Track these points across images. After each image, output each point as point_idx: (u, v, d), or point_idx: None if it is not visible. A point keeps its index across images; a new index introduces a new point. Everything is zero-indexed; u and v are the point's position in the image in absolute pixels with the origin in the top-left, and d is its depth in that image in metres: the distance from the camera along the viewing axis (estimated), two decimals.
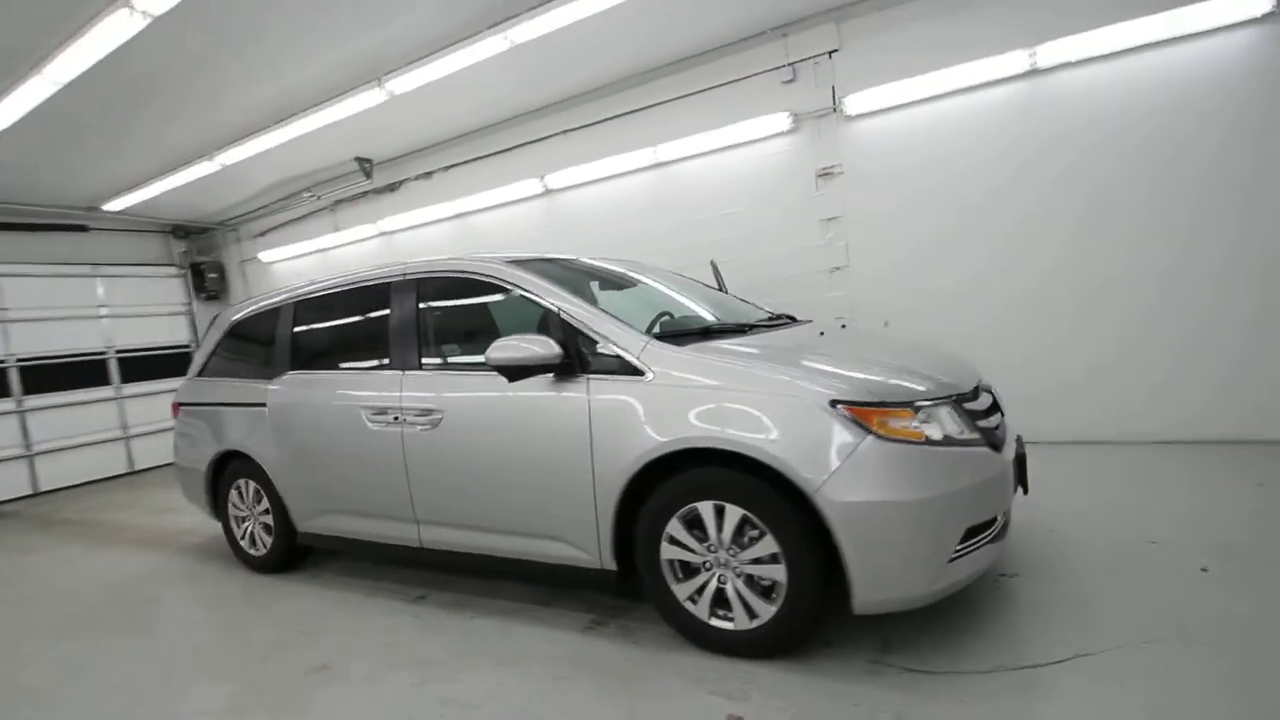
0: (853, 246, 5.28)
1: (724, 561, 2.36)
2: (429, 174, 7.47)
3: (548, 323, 2.76)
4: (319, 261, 8.63)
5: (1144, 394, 4.42)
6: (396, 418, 3.10)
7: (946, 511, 2.14)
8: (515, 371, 2.65)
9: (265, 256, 9.05)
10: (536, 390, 2.70)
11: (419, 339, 3.20)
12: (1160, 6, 4.05)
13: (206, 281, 9.43)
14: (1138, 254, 4.34)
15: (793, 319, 3.48)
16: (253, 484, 3.88)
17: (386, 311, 3.35)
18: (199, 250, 9.64)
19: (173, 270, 9.40)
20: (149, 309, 9.04)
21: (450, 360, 3.15)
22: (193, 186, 7.37)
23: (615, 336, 2.61)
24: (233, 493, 4.02)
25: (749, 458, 2.23)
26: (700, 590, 2.42)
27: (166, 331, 9.22)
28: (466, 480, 2.94)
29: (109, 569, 4.43)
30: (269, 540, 3.88)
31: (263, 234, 9.07)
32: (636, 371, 2.52)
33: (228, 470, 4.02)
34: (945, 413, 2.28)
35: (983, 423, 2.40)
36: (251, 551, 4.00)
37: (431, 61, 5.04)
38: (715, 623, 2.40)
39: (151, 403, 8.74)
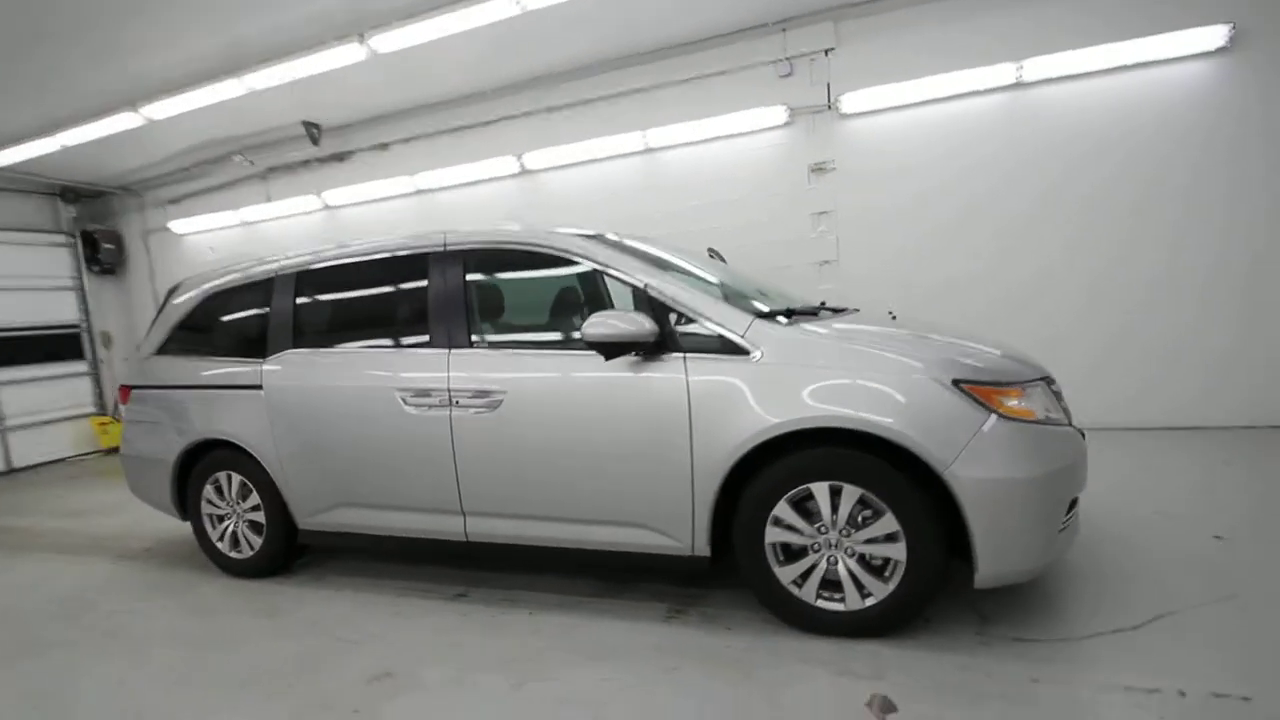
0: (843, 241, 5.45)
1: (834, 542, 2.35)
2: (385, 145, 6.93)
3: (635, 300, 2.63)
4: (244, 235, 7.80)
5: (1132, 388, 4.81)
6: (444, 400, 2.84)
7: (1057, 485, 2.24)
8: (612, 349, 2.49)
9: (177, 227, 8.05)
10: (623, 370, 2.56)
11: (468, 315, 2.94)
12: (1132, 34, 4.48)
13: (101, 253, 8.25)
14: (1124, 260, 4.76)
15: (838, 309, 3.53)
16: (237, 477, 3.42)
17: (422, 284, 3.05)
18: (92, 217, 8.42)
19: (60, 239, 8.15)
20: (30, 282, 7.78)
21: (510, 338, 2.92)
22: (97, 144, 6.40)
23: (716, 314, 2.52)
24: (208, 488, 3.52)
25: (870, 436, 2.23)
26: (807, 573, 2.40)
27: (51, 309, 7.98)
28: (531, 467, 2.74)
29: (41, 582, 3.76)
30: (257, 541, 3.43)
31: (175, 201, 8.06)
32: (740, 351, 2.44)
33: (203, 462, 3.51)
34: (1041, 393, 2.39)
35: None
36: (233, 554, 3.52)
37: (427, 19, 4.66)
38: (822, 604, 2.39)
39: (34, 390, 7.55)
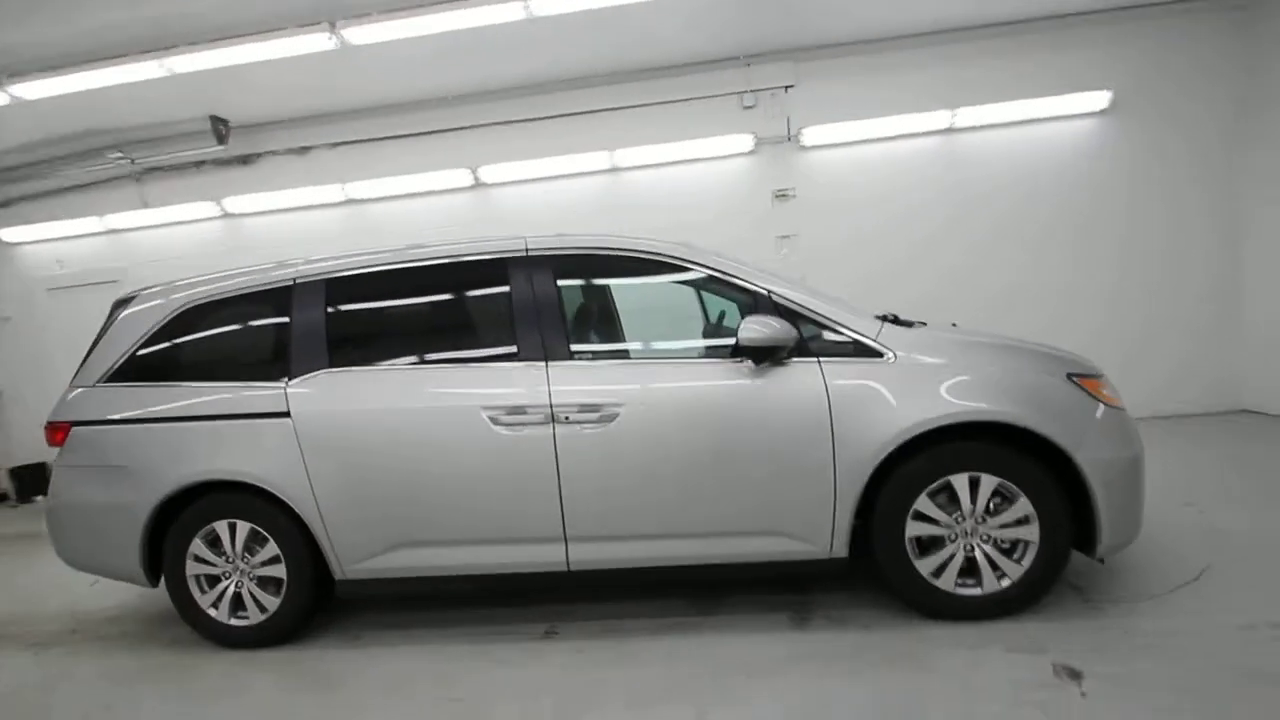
0: (804, 264, 5.81)
1: (970, 530, 2.50)
2: (305, 149, 6.22)
3: (756, 306, 2.62)
4: (110, 246, 6.54)
5: None
6: (545, 417, 2.60)
7: (1143, 463, 2.58)
8: (762, 353, 2.46)
9: (9, 235, 6.50)
10: (755, 377, 2.54)
11: (564, 325, 2.74)
12: (1036, 94, 5.37)
13: None
14: (1035, 271, 5.57)
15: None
16: (245, 525, 2.83)
17: (501, 292, 2.80)
18: None
19: None
20: None
21: (617, 348, 2.75)
22: None
23: (846, 319, 2.59)
24: (197, 543, 2.86)
25: (1004, 427, 2.42)
26: (944, 562, 2.51)
27: None
28: (652, 483, 2.58)
29: None
30: (272, 601, 2.85)
31: (5, 204, 6.51)
32: (874, 353, 2.54)
33: (189, 511, 2.86)
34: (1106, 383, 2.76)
35: None
36: (233, 621, 2.89)
37: (373, 22, 4.30)
38: (960, 591, 2.52)
39: None
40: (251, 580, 2.87)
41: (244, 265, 3.14)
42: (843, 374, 2.52)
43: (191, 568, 2.88)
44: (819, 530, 2.54)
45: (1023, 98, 5.35)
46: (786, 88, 5.69)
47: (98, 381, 3.02)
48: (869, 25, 5.37)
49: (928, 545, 2.53)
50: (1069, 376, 2.51)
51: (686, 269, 2.74)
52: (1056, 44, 5.33)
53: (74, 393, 3.06)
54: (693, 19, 5.00)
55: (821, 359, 2.54)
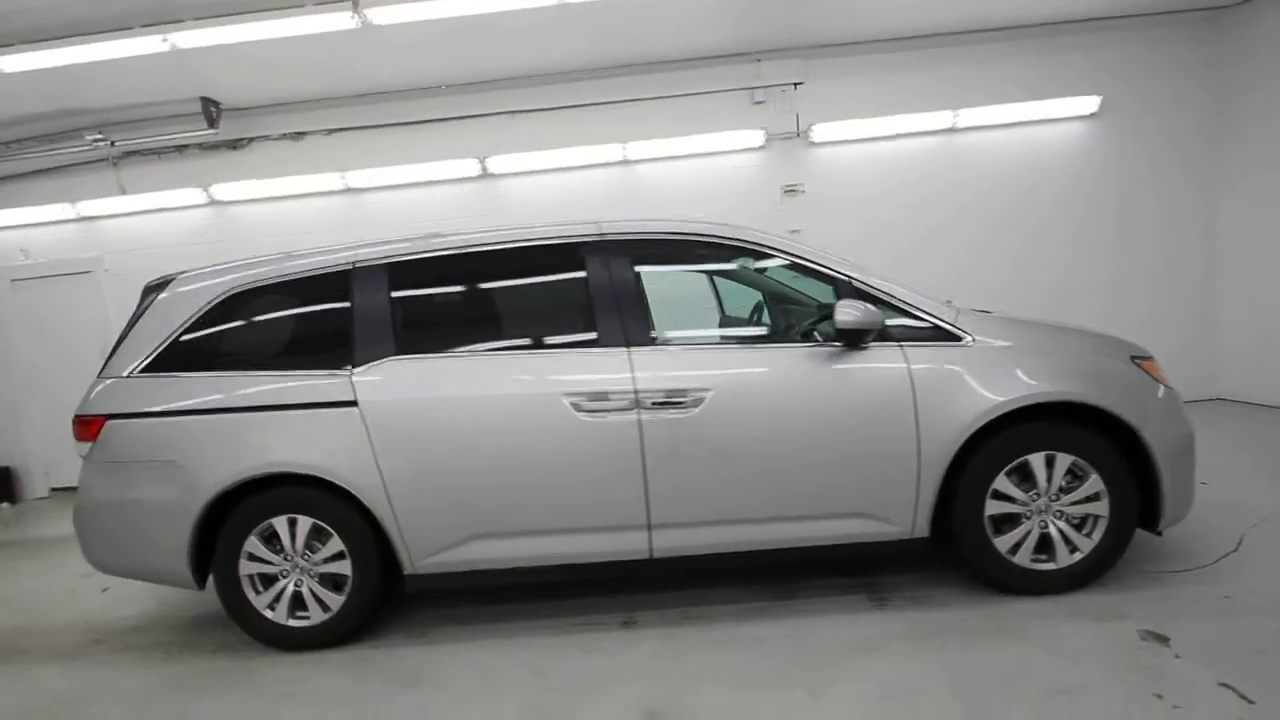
0: None
1: (1044, 508, 2.60)
2: (300, 135, 5.96)
3: (838, 292, 2.65)
4: (81, 235, 6.12)
5: None
6: (629, 404, 2.58)
7: (1194, 441, 2.73)
8: (856, 336, 2.51)
9: None
10: (841, 362, 2.58)
11: (644, 310, 2.71)
12: (1033, 97, 5.61)
13: None
14: (1029, 268, 5.81)
15: None
16: (307, 520, 2.70)
17: (577, 277, 2.76)
18: None
19: None
20: None
21: (698, 334, 2.75)
22: None
23: (925, 304, 2.66)
24: (252, 540, 2.71)
25: (1079, 406, 2.53)
26: (1022, 539, 2.61)
27: None
28: (738, 468, 2.59)
29: (26, 696, 2.58)
30: (335, 599, 2.73)
31: None
32: (953, 337, 2.61)
33: (245, 507, 2.70)
34: None
35: None
36: (292, 622, 2.75)
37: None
38: (1036, 566, 2.62)
39: None
40: (312, 578, 2.75)
41: (283, 249, 3.00)
42: (924, 358, 2.58)
43: (245, 567, 2.73)
44: (902, 510, 2.60)
45: (1021, 100, 5.59)
46: (795, 84, 5.78)
47: (134, 372, 2.83)
48: (875, 25, 5.50)
49: (1000, 523, 2.62)
50: (1131, 359, 2.64)
51: (767, 254, 2.76)
52: (1051, 49, 5.59)
53: (104, 384, 2.86)
54: (705, 14, 5.02)
55: (903, 343, 2.61)
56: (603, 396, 2.60)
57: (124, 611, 3.38)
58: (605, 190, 5.96)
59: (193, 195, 5.93)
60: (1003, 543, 2.61)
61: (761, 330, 2.86)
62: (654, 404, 2.58)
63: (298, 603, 2.76)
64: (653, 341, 2.68)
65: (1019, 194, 5.77)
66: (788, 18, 5.27)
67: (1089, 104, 5.58)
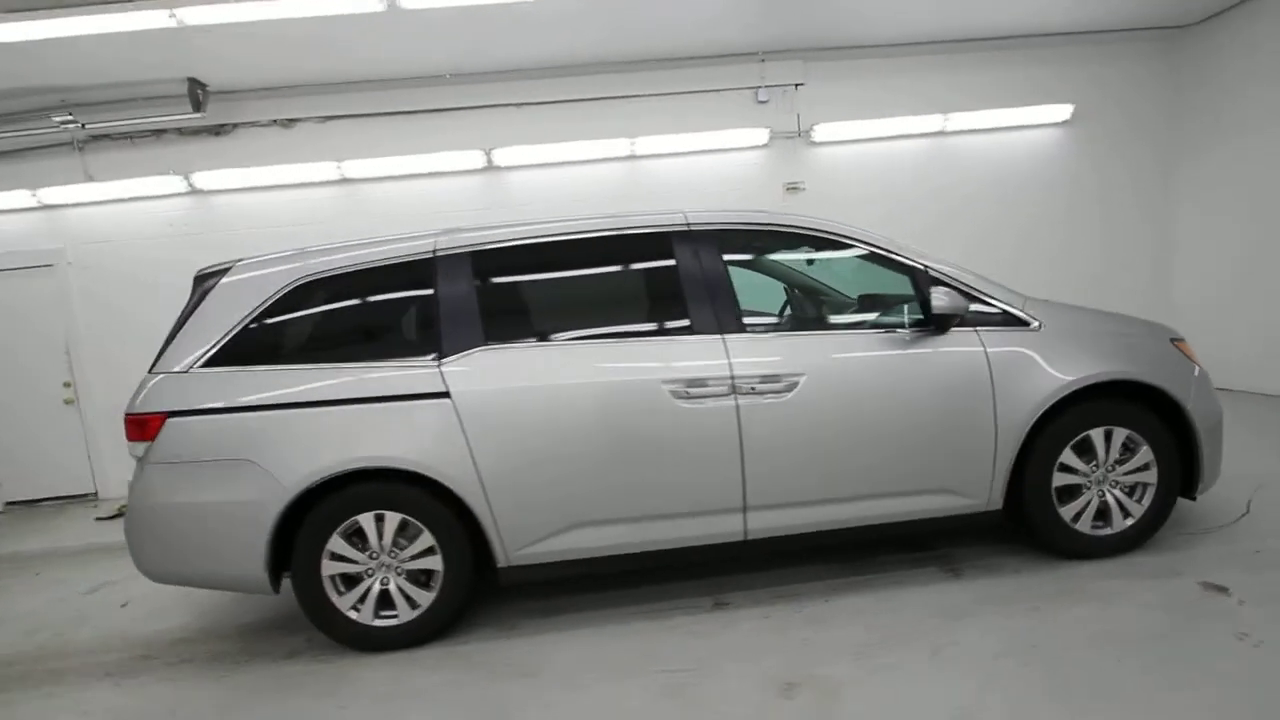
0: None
1: (1102, 479, 2.83)
2: (292, 121, 5.67)
3: (914, 283, 2.80)
4: (45, 224, 5.61)
5: None
6: (726, 389, 2.63)
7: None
8: (946, 321, 2.65)
9: None
10: (924, 346, 2.72)
11: (735, 298, 2.77)
12: (1015, 103, 6.01)
13: None
14: (1017, 268, 6.15)
15: None
16: (395, 516, 2.62)
17: (665, 266, 2.80)
18: None
19: None
20: None
21: (784, 320, 2.83)
22: None
23: (995, 291, 2.84)
24: (335, 539, 2.60)
25: (1136, 385, 2.77)
26: (1083, 508, 2.83)
27: None
28: (830, 449, 2.69)
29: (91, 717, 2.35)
30: (425, 596, 2.66)
31: None
32: (1022, 322, 2.80)
33: (326, 504, 2.59)
34: None
35: None
36: (377, 622, 2.66)
37: None
38: (1095, 532, 2.84)
39: None
40: (399, 575, 2.66)
41: (299, 243, 2.91)
42: (997, 341, 2.76)
43: (328, 567, 2.62)
44: (980, 485, 2.77)
45: (1005, 106, 5.97)
46: (797, 85, 5.97)
47: (195, 365, 2.66)
48: (871, 31, 5.75)
49: (1071, 492, 2.83)
50: (1172, 340, 2.91)
51: (847, 245, 2.88)
52: (1031, 60, 6.00)
53: (159, 379, 2.67)
54: (711, 12, 5.10)
55: (978, 328, 2.78)
56: (701, 383, 2.64)
57: (160, 625, 3.17)
58: (610, 185, 5.96)
59: (170, 184, 5.53)
60: (1066, 512, 2.82)
61: (846, 317, 2.97)
62: (750, 389, 2.65)
63: (383, 602, 2.67)
64: (744, 328, 2.75)
65: (1004, 195, 6.16)
66: (790, 19, 5.43)
67: (1063, 112, 6.03)
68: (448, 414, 2.59)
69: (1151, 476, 2.82)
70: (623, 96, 5.82)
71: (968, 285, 2.82)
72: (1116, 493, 2.84)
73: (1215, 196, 5.87)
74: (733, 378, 2.65)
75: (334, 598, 2.64)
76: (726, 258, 2.82)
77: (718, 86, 5.90)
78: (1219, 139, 5.78)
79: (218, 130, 5.62)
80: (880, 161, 6.09)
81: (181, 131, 5.56)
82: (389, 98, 5.66)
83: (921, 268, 2.82)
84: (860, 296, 3.01)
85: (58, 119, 5.08)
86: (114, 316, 5.68)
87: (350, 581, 2.67)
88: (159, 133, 5.54)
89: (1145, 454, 2.81)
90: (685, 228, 2.83)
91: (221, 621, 3.15)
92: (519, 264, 2.82)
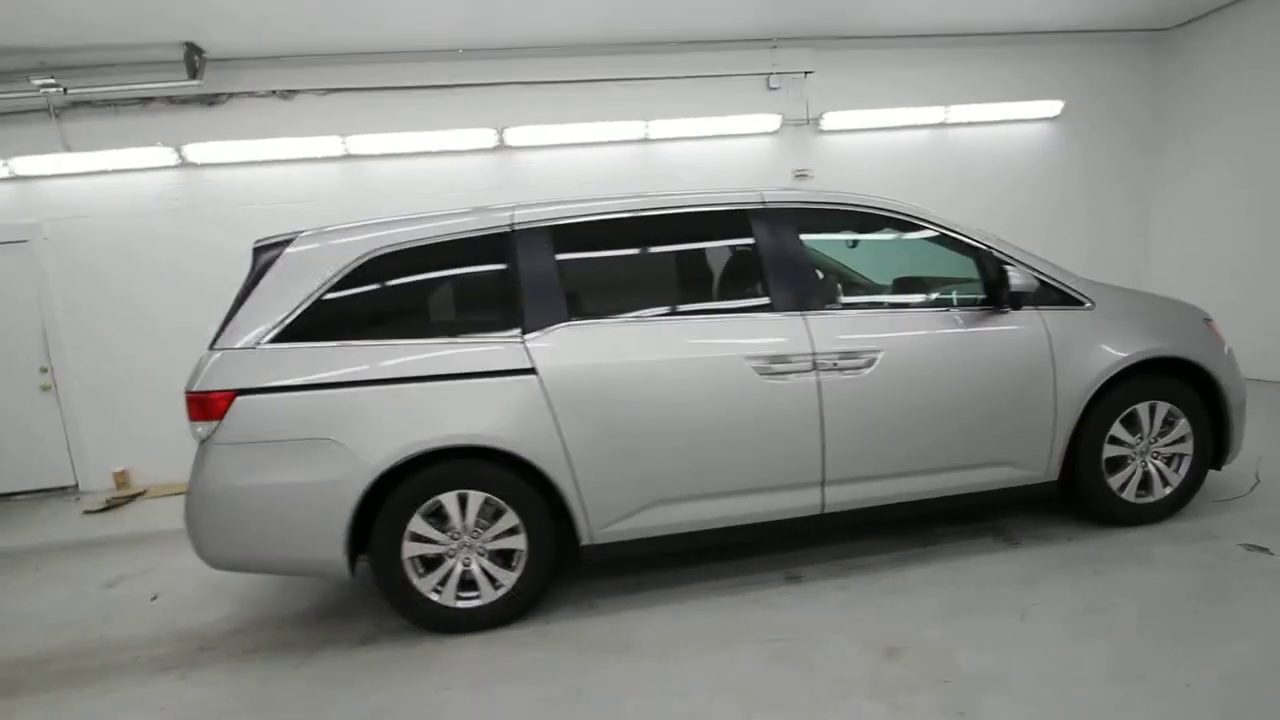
0: None
1: (1145, 450, 3.01)
2: (291, 93, 5.40)
3: (981, 263, 2.90)
4: (17, 197, 5.17)
5: None
6: (807, 366, 2.68)
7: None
8: (1019, 299, 2.76)
9: None
10: (990, 325, 2.84)
11: (812, 275, 2.81)
12: (1013, 98, 6.25)
13: None
14: None
15: None
16: (478, 495, 2.56)
17: (744, 244, 2.83)
18: None
19: None
20: None
21: (859, 299, 2.88)
22: None
23: (1053, 272, 2.97)
24: (416, 520, 2.53)
25: (1179, 362, 2.95)
26: (1129, 478, 3.00)
27: None
28: (905, 424, 2.77)
29: (171, 711, 2.21)
30: (508, 576, 2.62)
31: None
32: (1077, 302, 2.95)
33: (408, 484, 2.51)
34: None
35: None
36: (459, 604, 2.61)
37: None
38: (1138, 501, 3.02)
39: None
40: (481, 555, 2.61)
41: (401, 211, 2.80)
42: (1056, 320, 2.89)
43: (409, 548, 2.55)
44: (1039, 457, 2.90)
45: (1001, 101, 6.21)
46: (806, 73, 6.04)
47: (263, 340, 2.54)
48: (879, 21, 5.85)
49: (1110, 465, 3.00)
50: (1204, 319, 3.11)
51: (917, 226, 2.95)
52: (1027, 56, 6.24)
53: (224, 355, 2.54)
54: None
55: (1040, 307, 2.90)
56: (784, 359, 2.68)
57: (206, 617, 3.01)
58: (623, 168, 5.91)
59: (158, 155, 5.19)
60: (1114, 482, 2.99)
61: (918, 295, 3.05)
62: (832, 366, 2.70)
63: (465, 585, 2.62)
64: (822, 306, 2.79)
65: (999, 185, 6.40)
66: (801, 7, 5.49)
67: (1054, 107, 6.30)
68: (534, 391, 2.55)
69: (1188, 448, 3.02)
70: (637, 79, 5.77)
71: (1030, 267, 2.94)
72: (1158, 463, 3.03)
73: (1191, 189, 6.26)
74: (814, 354, 2.69)
75: (414, 579, 2.58)
76: (804, 236, 2.86)
77: (731, 72, 5.91)
78: (1195, 133, 6.16)
79: (211, 100, 5.30)
80: (884, 151, 6.24)
81: (172, 100, 5.22)
82: (396, 71, 5.45)
83: (986, 249, 2.92)
84: (933, 276, 3.10)
85: (37, 82, 4.69)
86: (96, 296, 5.32)
87: (427, 563, 2.61)
88: (145, 101, 5.19)
89: (1183, 427, 3.00)
90: (762, 206, 2.85)
91: (272, 611, 3.02)
92: (598, 239, 2.80)
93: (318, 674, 2.47)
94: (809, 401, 2.69)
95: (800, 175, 6.16)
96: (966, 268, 2.98)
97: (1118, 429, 2.95)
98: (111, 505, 5.01)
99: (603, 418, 2.59)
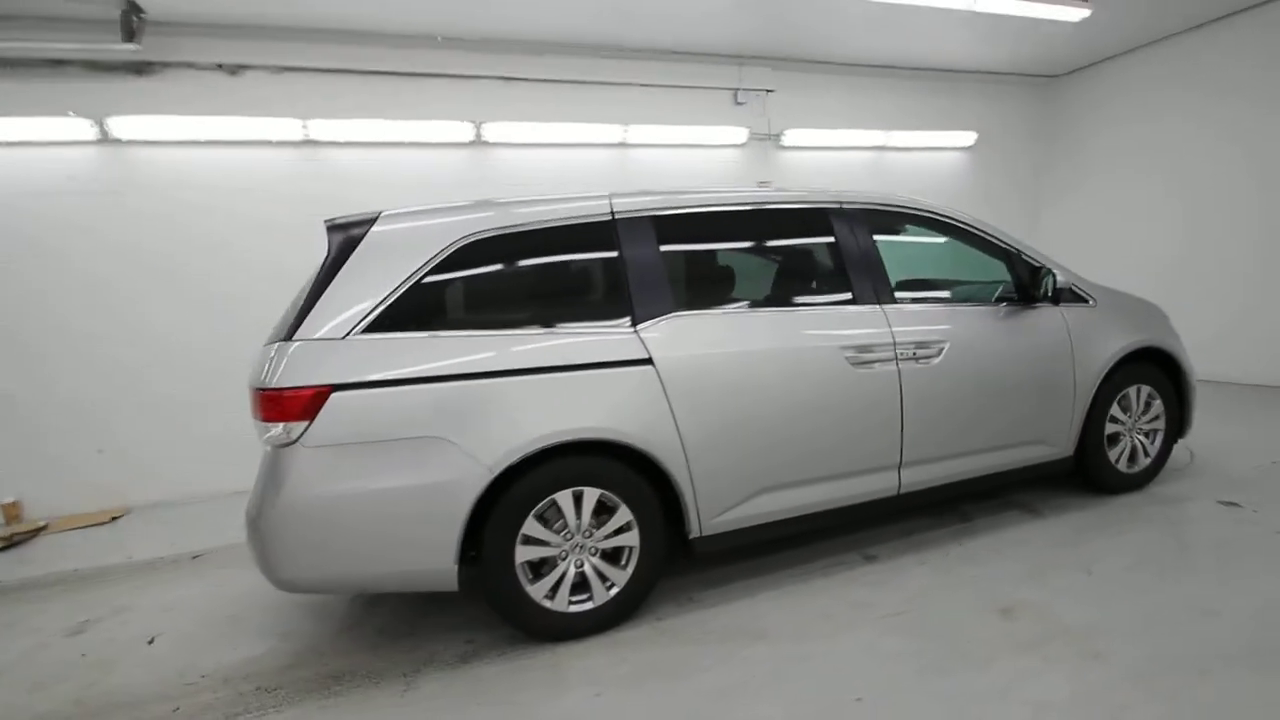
0: None
1: (1132, 427, 3.50)
2: (240, 68, 4.81)
3: (1022, 263, 3.25)
4: None
5: None
6: (889, 355, 2.86)
7: None
8: (1061, 296, 3.13)
9: None
10: (1028, 317, 3.19)
11: (886, 272, 3.00)
12: (935, 127, 7.00)
13: None
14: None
15: None
16: (593, 493, 2.45)
17: (826, 241, 2.97)
18: None
19: None
20: None
21: (924, 294, 3.11)
22: None
23: (1066, 274, 3.38)
24: (529, 522, 2.37)
25: (1159, 353, 3.48)
26: (1122, 451, 3.48)
27: None
28: (967, 407, 3.04)
29: None
30: (622, 574, 2.52)
31: None
32: (1084, 299, 3.38)
33: (521, 484, 2.34)
34: None
35: None
36: (572, 608, 2.47)
37: None
38: (1128, 471, 3.50)
39: None
40: (593, 555, 2.49)
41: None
42: (1073, 314, 3.32)
43: (521, 552, 2.38)
44: (1063, 435, 3.30)
45: (929, 129, 6.93)
46: (768, 91, 6.38)
47: (355, 330, 2.27)
48: (831, 48, 6.32)
49: (1114, 439, 3.46)
50: (1164, 316, 3.70)
51: (967, 231, 3.25)
52: (950, 91, 7.03)
53: (303, 347, 2.24)
54: (699, 10, 5.25)
55: (1060, 304, 3.30)
56: (870, 349, 2.84)
57: (241, 653, 2.59)
58: (599, 171, 5.87)
59: (72, 127, 4.41)
60: (1112, 455, 3.46)
61: (969, 290, 3.34)
62: (910, 355, 2.90)
63: (578, 588, 2.48)
64: (895, 299, 2.99)
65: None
66: (762, 28, 5.81)
67: (969, 138, 7.15)
68: (651, 381, 2.50)
69: (1161, 424, 3.57)
70: (615, 83, 5.78)
71: (1050, 267, 3.34)
72: (1140, 438, 3.55)
73: (1071, 202, 7.37)
74: (895, 344, 2.88)
75: (526, 586, 2.40)
76: (877, 237, 3.04)
77: (702, 84, 6.09)
78: (1074, 163, 7.28)
79: (140, 69, 4.59)
80: (835, 168, 6.73)
81: (93, 65, 4.46)
82: (362, 54, 5.04)
83: (1016, 251, 3.29)
84: (984, 274, 3.41)
85: None
86: None
87: (534, 568, 2.44)
88: (57, 64, 4.39)
89: (1158, 406, 3.55)
90: (838, 205, 3.01)
91: (314, 639, 2.66)
92: (696, 231, 2.80)
93: (431, 699, 2.22)
94: (891, 388, 2.87)
95: (762, 185, 6.46)
96: (997, 268, 3.32)
97: (1116, 410, 3.43)
98: (11, 544, 4.13)
99: (714, 408, 2.59)
